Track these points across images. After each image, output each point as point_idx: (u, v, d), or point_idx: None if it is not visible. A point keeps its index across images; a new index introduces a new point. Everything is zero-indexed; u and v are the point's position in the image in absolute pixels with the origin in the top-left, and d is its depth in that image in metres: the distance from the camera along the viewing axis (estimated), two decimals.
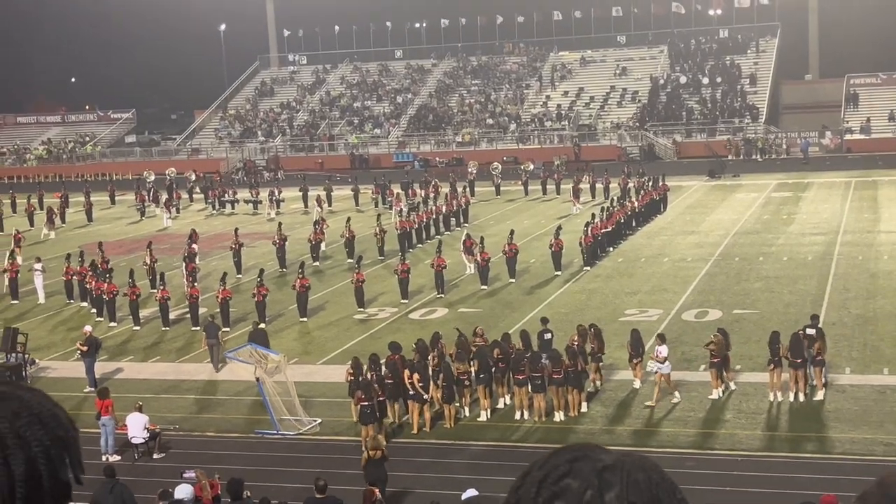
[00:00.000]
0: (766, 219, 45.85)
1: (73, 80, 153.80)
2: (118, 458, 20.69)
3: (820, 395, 22.11)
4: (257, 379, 22.30)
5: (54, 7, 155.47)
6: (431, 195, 51.60)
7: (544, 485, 1.72)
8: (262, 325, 27.73)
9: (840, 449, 19.73)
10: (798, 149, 69.02)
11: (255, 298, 30.42)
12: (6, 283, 36.17)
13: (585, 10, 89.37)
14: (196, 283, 32.67)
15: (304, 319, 31.27)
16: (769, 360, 22.15)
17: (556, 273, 35.61)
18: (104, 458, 20.19)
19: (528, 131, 77.95)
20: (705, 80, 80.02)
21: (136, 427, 20.99)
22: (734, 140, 70.68)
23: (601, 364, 23.56)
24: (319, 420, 22.34)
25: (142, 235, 47.56)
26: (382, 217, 43.93)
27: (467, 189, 52.65)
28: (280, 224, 41.90)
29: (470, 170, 59.38)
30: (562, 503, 1.69)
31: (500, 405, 22.58)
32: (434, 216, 45.35)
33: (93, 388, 24.05)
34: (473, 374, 22.28)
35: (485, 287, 34.13)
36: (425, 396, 21.44)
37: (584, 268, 36.39)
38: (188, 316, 31.18)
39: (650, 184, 49.75)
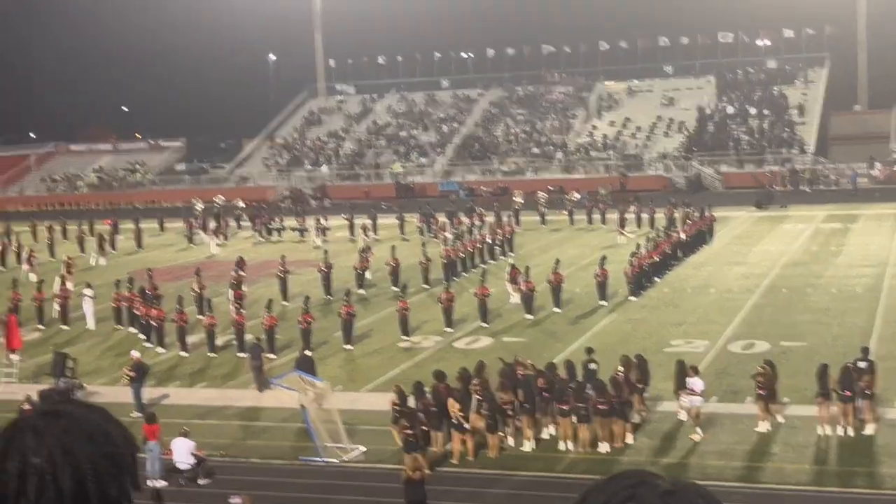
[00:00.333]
0: (815, 250, 45.38)
1: (124, 109, 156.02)
2: (164, 483, 20.82)
3: (870, 430, 21.77)
4: (302, 406, 22.39)
5: (106, 39, 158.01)
6: (476, 224, 51.67)
7: None
8: (309, 352, 27.86)
9: (890, 484, 19.40)
10: (847, 180, 68.38)
11: (301, 325, 30.61)
12: (57, 308, 36.69)
13: (632, 40, 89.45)
14: (242, 310, 32.92)
15: (349, 347, 31.38)
16: (818, 392, 21.87)
17: (602, 303, 35.46)
18: (150, 483, 20.33)
19: (573, 161, 77.89)
20: (753, 111, 79.59)
21: (182, 452, 21.15)
22: (782, 171, 70.15)
23: (646, 395, 23.40)
24: (363, 448, 22.36)
25: (190, 262, 48.04)
26: (427, 245, 44.03)
27: (512, 218, 52.64)
28: (326, 252, 42.17)
29: (515, 199, 59.42)
30: None
31: (545, 435, 22.48)
32: (479, 245, 45.40)
33: (140, 413, 24.27)
34: (518, 403, 22.21)
35: (529, 316, 34.06)
36: (465, 426, 21.41)
37: (630, 298, 36.21)
38: (234, 342, 31.42)
39: (697, 214, 49.48)
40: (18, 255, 50.20)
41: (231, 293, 35.75)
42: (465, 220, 53.59)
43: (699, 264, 43.08)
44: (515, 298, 35.77)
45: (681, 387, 22.96)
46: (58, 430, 2.12)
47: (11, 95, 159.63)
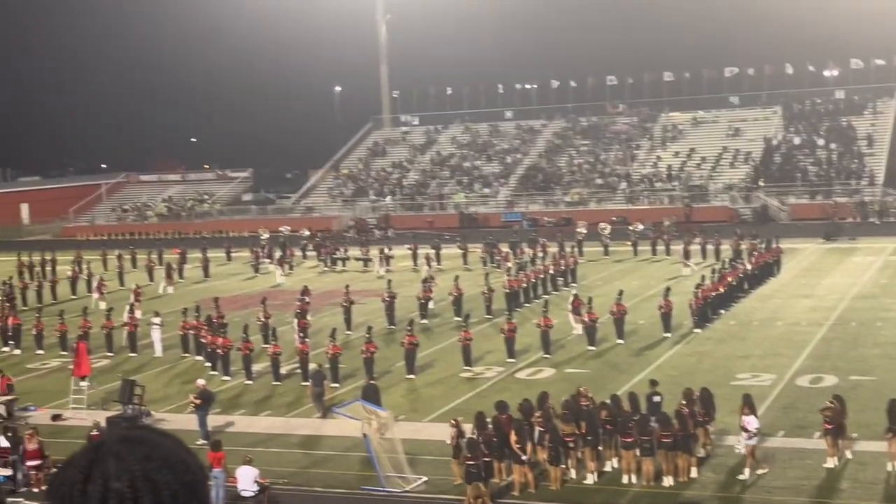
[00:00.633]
0: (885, 283, 44.56)
1: (193, 140, 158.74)
2: None
3: None
4: (364, 435, 22.49)
5: (175, 72, 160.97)
6: (539, 254, 51.58)
7: None
8: (374, 381, 27.97)
9: None
10: None
11: (364, 355, 30.78)
12: (125, 336, 37.32)
13: (696, 70, 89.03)
14: (307, 339, 33.21)
15: (412, 377, 31.47)
16: (888, 428, 21.44)
17: (666, 335, 35.18)
18: None
19: (637, 192, 77.54)
20: (820, 142, 78.61)
21: (246, 480, 21.34)
22: (850, 202, 69.10)
23: (711, 429, 23.14)
24: (425, 478, 22.38)
25: (256, 291, 48.57)
26: (490, 276, 44.05)
27: (575, 249, 52.49)
28: (389, 281, 42.40)
29: (578, 229, 59.25)
30: None
31: (608, 468, 22.33)
32: (542, 276, 45.33)
33: (205, 441, 24.53)
34: (580, 435, 22.09)
35: (592, 348, 33.89)
36: (523, 458, 21.34)
37: (695, 330, 35.88)
38: (299, 371, 31.68)
39: (763, 246, 48.92)
40: (89, 284, 51.17)
41: (296, 322, 36.10)
42: (528, 250, 53.54)
43: (766, 297, 42.55)
44: (578, 329, 35.64)
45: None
46: (139, 456, 2.20)
47: (84, 127, 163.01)
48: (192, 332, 35.72)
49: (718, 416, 23.82)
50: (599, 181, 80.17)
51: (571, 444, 21.89)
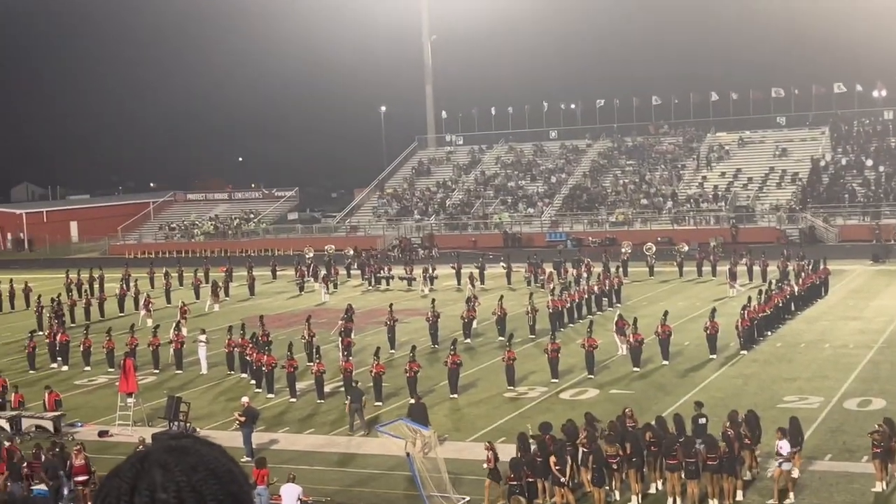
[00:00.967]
0: None
1: (240, 159, 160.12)
2: None
3: None
4: (408, 454, 22.48)
5: (223, 93, 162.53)
6: (584, 275, 51.39)
7: None
8: (422, 400, 27.90)
9: None
10: None
11: (407, 374, 30.80)
12: (171, 353, 37.63)
13: (743, 91, 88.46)
14: (351, 357, 33.28)
15: (455, 396, 31.43)
16: None
17: (711, 356, 34.86)
18: None
19: (683, 212, 77.04)
20: (869, 162, 77.72)
21: (290, 497, 21.41)
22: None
23: (758, 451, 22.86)
24: (468, 497, 22.31)
25: (300, 310, 48.78)
26: (534, 296, 43.94)
27: (620, 269, 52.25)
28: (433, 301, 42.41)
29: (623, 250, 58.96)
30: None
31: (652, 490, 22.14)
32: (586, 296, 45.15)
33: (250, 458, 24.65)
34: (624, 457, 21.93)
35: (637, 369, 33.67)
36: (562, 479, 21.22)
37: (741, 352, 35.54)
38: (342, 389, 31.75)
39: (811, 267, 48.38)
40: (136, 301, 51.68)
41: (340, 341, 36.22)
42: (572, 270, 53.37)
43: (813, 318, 42.06)
44: (623, 350, 35.44)
45: (796, 443, 22.40)
46: (185, 466, 2.21)
47: (133, 147, 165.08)
48: (237, 349, 35.95)
49: (764, 439, 23.52)
50: (645, 201, 79.76)
51: (615, 466, 21.74)
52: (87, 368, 38.27)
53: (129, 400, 29.68)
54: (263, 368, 32.88)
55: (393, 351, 37.91)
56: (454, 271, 56.40)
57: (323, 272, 57.46)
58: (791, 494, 21.33)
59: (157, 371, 37.14)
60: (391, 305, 41.34)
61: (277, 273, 62.58)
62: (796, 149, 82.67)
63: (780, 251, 54.83)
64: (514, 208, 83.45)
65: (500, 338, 38.68)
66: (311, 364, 33.48)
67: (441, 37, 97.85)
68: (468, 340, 39.67)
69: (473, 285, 50.73)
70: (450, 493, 22.23)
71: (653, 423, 22.98)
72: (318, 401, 31.62)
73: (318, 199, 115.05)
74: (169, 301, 53.02)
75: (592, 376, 32.96)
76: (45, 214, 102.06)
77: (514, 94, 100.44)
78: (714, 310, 37.07)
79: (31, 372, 38.15)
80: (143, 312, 47.96)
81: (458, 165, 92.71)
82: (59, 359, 39.40)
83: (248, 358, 34.66)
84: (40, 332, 43.93)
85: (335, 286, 56.89)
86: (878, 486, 21.52)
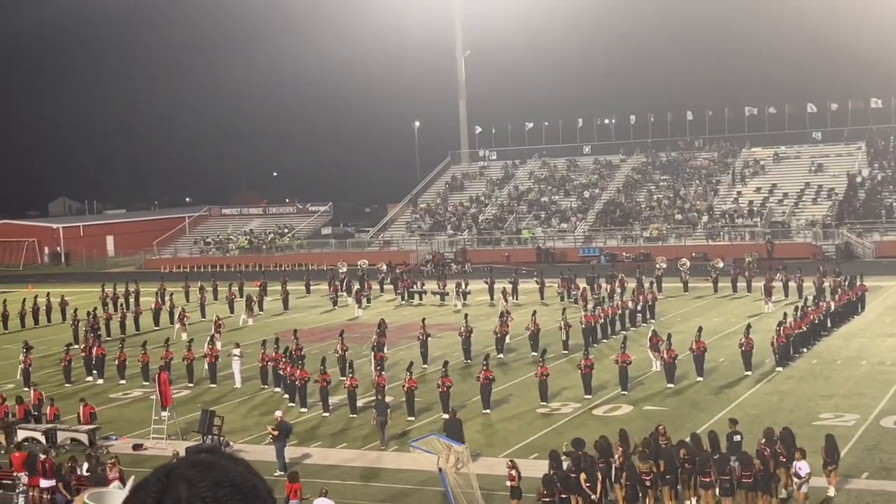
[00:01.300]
0: None
1: (274, 174, 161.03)
2: None
3: None
4: (440, 469, 22.44)
5: (258, 109, 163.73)
6: (618, 290, 51.21)
7: None
8: (457, 415, 27.86)
9: None
10: None
11: (440, 389, 30.78)
12: (206, 367, 37.83)
13: (779, 106, 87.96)
14: (383, 372, 33.31)
15: (488, 411, 31.36)
16: None
17: (747, 373, 34.58)
18: None
19: (718, 227, 76.61)
20: None
21: None
22: None
23: (792, 469, 22.61)
24: None
25: (334, 324, 48.89)
26: (568, 311, 43.81)
27: (654, 285, 51.98)
28: (466, 316, 42.38)
29: (658, 265, 58.69)
30: None
31: None
32: (620, 311, 44.95)
33: (283, 472, 24.70)
34: (658, 474, 21.78)
35: (671, 385, 33.45)
36: (593, 497, 21.09)
37: (777, 368, 35.23)
38: (374, 404, 31.73)
39: (847, 283, 47.91)
40: (171, 315, 52.02)
41: (372, 355, 36.28)
42: (605, 285, 53.17)
43: (850, 335, 41.64)
44: (657, 366, 35.23)
45: (832, 461, 22.14)
46: (210, 482, 2.22)
47: (169, 162, 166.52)
48: (271, 363, 36.07)
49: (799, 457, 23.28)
50: (679, 217, 79.40)
51: (648, 483, 21.59)
52: (123, 382, 38.55)
53: (164, 413, 29.84)
54: (297, 382, 32.97)
55: (425, 366, 37.90)
56: (487, 286, 56.37)
57: (356, 287, 57.59)
58: None
59: (191, 385, 37.33)
60: (424, 320, 41.36)
61: (311, 287, 62.77)
62: (832, 164, 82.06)
63: (816, 267, 54.40)
64: (548, 223, 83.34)
65: (533, 353, 38.58)
66: (344, 378, 33.55)
67: (475, 52, 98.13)
68: (501, 356, 39.60)
69: (506, 300, 50.65)
70: None
71: (687, 440, 22.81)
72: (351, 415, 31.66)
73: (351, 213, 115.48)
74: (204, 315, 53.31)
75: (626, 392, 32.78)
76: (82, 229, 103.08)
77: (547, 109, 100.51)
78: (749, 326, 36.77)
79: (66, 385, 38.48)
80: (177, 326, 48.25)
81: (492, 180, 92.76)
82: (95, 372, 39.71)
83: (281, 372, 34.77)
84: (76, 346, 44.32)
85: (368, 301, 56.96)
86: None
